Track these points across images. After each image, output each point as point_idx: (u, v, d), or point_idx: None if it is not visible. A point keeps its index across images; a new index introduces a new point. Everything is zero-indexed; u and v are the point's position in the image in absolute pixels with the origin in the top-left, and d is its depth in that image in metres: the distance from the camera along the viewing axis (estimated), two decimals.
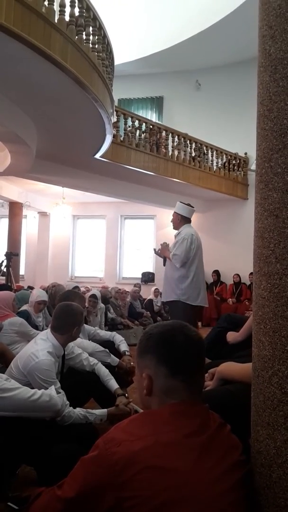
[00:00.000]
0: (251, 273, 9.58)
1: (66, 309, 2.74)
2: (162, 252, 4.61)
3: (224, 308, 9.69)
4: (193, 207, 4.75)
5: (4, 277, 7.63)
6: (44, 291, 5.05)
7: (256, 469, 1.15)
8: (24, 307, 4.67)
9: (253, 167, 10.68)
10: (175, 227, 4.66)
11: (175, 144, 9.55)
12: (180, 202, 4.75)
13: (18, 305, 4.51)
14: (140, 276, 11.79)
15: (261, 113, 1.20)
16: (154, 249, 4.86)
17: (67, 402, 2.29)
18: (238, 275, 10.52)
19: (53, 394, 2.15)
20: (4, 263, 7.52)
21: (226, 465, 1.08)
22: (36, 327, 4.43)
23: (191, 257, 4.46)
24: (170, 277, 4.57)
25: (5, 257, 7.56)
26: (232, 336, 2.81)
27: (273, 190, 1.12)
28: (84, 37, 5.12)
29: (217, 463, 1.07)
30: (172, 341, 1.19)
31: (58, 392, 2.27)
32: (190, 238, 4.48)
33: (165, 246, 4.64)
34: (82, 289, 7.14)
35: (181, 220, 4.63)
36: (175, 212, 4.67)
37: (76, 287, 6.00)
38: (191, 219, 4.73)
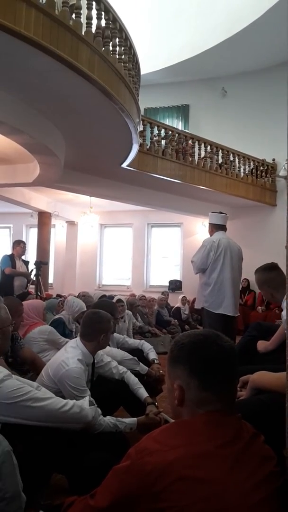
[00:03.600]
0: None
1: (93, 316, 2.76)
2: None
3: (254, 317, 9.55)
4: (224, 214, 4.72)
5: (33, 286, 7.73)
6: (81, 301, 5.00)
7: None
8: (62, 314, 4.68)
9: (282, 173, 10.57)
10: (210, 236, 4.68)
11: (202, 152, 9.52)
12: (211, 212, 4.75)
13: (47, 313, 4.57)
14: (168, 284, 11.76)
15: None
16: None
17: (100, 412, 2.28)
18: None
19: (85, 405, 2.14)
20: (34, 272, 7.62)
21: (260, 476, 1.06)
22: (71, 332, 4.51)
23: (210, 264, 4.38)
24: (199, 284, 4.60)
25: (34, 266, 7.66)
26: (263, 345, 2.77)
27: None
28: (110, 48, 5.18)
29: (251, 474, 1.05)
30: (205, 353, 1.17)
31: (92, 403, 2.26)
32: (210, 245, 4.41)
33: None
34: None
35: (212, 229, 4.63)
36: (209, 223, 4.71)
37: (104, 295, 6.02)
38: (226, 225, 4.69)
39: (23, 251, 7.34)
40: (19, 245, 7.31)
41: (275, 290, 2.72)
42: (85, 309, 4.66)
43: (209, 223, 4.70)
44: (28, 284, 7.41)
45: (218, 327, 4.24)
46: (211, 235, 4.64)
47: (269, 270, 2.78)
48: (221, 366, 1.16)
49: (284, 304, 2.30)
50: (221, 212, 4.74)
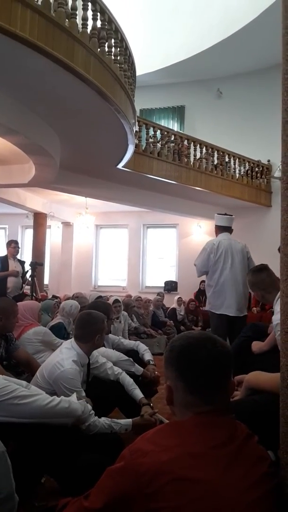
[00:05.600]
0: None
1: (87, 318, 2.76)
2: None
3: (249, 318, 9.53)
4: (230, 215, 4.79)
5: (29, 287, 7.71)
6: (75, 301, 5.08)
7: (286, 482, 1.12)
8: (58, 319, 4.67)
9: (277, 174, 10.58)
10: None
11: (197, 153, 9.53)
12: (216, 214, 4.84)
13: (42, 314, 4.58)
14: (163, 285, 11.77)
15: (286, 120, 1.19)
16: None
17: (92, 412, 2.28)
18: None
19: (73, 400, 2.15)
20: (29, 273, 7.60)
21: (254, 477, 1.06)
22: (68, 335, 4.49)
23: (211, 266, 4.44)
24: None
25: (30, 267, 7.64)
26: (257, 346, 2.78)
27: None
28: (106, 49, 5.18)
29: (245, 474, 1.05)
30: (193, 357, 1.17)
31: (79, 399, 2.27)
32: (210, 248, 4.49)
33: None
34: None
35: (217, 231, 4.71)
36: (214, 225, 4.78)
37: (100, 296, 6.01)
38: (232, 227, 4.76)
39: (16, 251, 7.30)
40: (10, 246, 7.27)
41: (265, 291, 2.73)
42: (80, 306, 4.72)
43: (216, 225, 4.77)
44: (24, 285, 7.39)
45: (222, 328, 4.31)
46: (216, 236, 4.72)
47: (259, 272, 2.79)
48: (209, 372, 1.15)
49: (275, 307, 2.30)
50: (226, 214, 4.79)
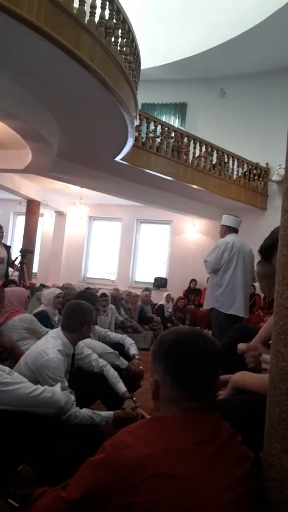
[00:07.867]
0: None
1: (75, 307, 2.75)
2: None
3: None
4: (238, 217, 4.85)
5: (17, 273, 7.63)
6: (56, 288, 5.11)
7: (267, 483, 1.11)
8: (42, 307, 4.65)
9: (275, 177, 10.61)
10: (221, 237, 4.78)
11: (196, 151, 9.51)
12: (225, 214, 4.90)
13: (37, 304, 4.58)
14: (153, 281, 11.76)
15: None
16: None
17: (74, 402, 2.26)
18: (253, 285, 10.40)
19: (57, 390, 2.13)
20: (19, 260, 7.52)
21: (236, 476, 1.05)
22: (52, 326, 4.44)
23: (224, 265, 4.49)
24: (209, 284, 4.74)
25: (20, 254, 7.56)
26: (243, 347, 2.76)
27: None
28: (112, 39, 5.13)
29: (227, 473, 1.04)
30: (183, 352, 1.16)
31: (63, 390, 2.25)
32: (224, 246, 4.55)
33: None
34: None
35: (226, 231, 4.76)
36: (221, 225, 4.84)
37: (88, 288, 5.99)
38: (239, 228, 4.86)
39: (0, 236, 7.17)
40: None
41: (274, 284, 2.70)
42: (57, 292, 4.72)
43: (222, 225, 4.81)
44: (13, 270, 7.31)
45: (228, 327, 4.32)
46: (222, 237, 4.76)
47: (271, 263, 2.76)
48: (198, 368, 1.15)
49: None
50: (235, 216, 4.84)
